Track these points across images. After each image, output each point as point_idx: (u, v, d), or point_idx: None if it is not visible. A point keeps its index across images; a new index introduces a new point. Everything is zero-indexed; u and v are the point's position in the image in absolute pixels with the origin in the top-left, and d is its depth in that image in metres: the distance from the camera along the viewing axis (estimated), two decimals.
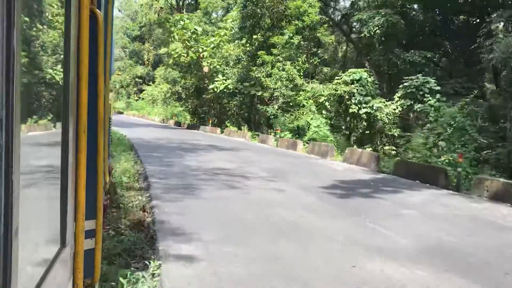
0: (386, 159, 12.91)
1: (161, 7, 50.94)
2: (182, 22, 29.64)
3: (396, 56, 23.24)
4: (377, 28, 22.67)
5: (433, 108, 15.05)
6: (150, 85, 54.35)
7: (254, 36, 26.64)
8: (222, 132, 28.23)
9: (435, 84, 15.36)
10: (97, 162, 1.85)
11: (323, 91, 17.26)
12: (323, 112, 17.59)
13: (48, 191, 1.38)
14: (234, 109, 33.37)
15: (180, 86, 37.93)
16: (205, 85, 32.87)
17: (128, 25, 63.64)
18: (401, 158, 11.99)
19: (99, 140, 1.84)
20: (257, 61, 24.12)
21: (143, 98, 54.92)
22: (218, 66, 30.44)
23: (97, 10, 1.78)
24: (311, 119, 20.02)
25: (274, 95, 22.09)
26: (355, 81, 16.70)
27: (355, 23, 28.93)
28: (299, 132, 19.80)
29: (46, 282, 1.19)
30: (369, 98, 16.11)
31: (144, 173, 9.05)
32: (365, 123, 16.24)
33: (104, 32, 1.90)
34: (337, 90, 16.53)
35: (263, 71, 23.47)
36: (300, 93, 21.22)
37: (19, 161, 0.89)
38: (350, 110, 16.20)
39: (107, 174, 3.49)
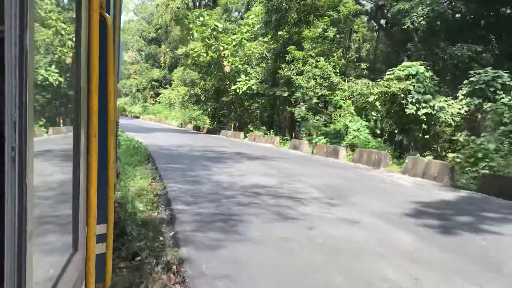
0: (459, 171, 10.28)
1: (177, 7, 49.08)
2: (201, 18, 27.51)
3: (442, 50, 20.40)
4: (421, 18, 19.94)
5: (507, 107, 12.33)
6: (166, 88, 53.34)
7: (280, 32, 24.56)
8: (245, 137, 26.27)
9: (510, 79, 12.64)
10: (108, 166, 1.82)
11: (372, 89, 14.65)
12: (373, 113, 14.89)
13: (60, 195, 1.41)
14: (257, 111, 31.48)
15: (199, 88, 36.18)
16: (226, 86, 31.14)
17: (144, 27, 63.00)
18: (489, 171, 9.34)
19: (109, 144, 1.82)
20: (287, 58, 21.84)
21: (159, 102, 53.93)
22: (240, 66, 28.42)
23: (107, 14, 1.77)
24: (350, 121, 17.43)
25: (307, 95, 19.31)
26: (410, 77, 14.04)
27: (390, 15, 26.10)
28: (336, 137, 17.21)
29: (58, 287, 1.18)
30: (429, 96, 13.46)
31: (165, 194, 7.07)
32: (424, 126, 13.54)
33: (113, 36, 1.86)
34: (389, 88, 13.87)
35: (293, 69, 20.86)
36: (337, 92, 18.63)
37: (32, 164, 0.89)
38: (407, 111, 13.54)
39: (114, 178, 2.70)
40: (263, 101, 28.63)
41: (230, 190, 7.69)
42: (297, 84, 19.96)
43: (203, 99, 35.57)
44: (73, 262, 1.37)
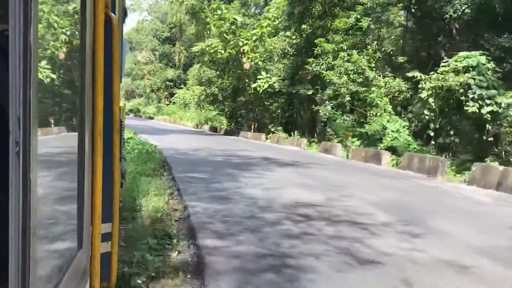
0: None
1: (192, 3, 47.33)
2: (219, 12, 25.76)
3: (487, 41, 18.23)
4: (465, 6, 17.82)
5: None
6: (181, 88, 52.33)
7: (303, 26, 22.79)
8: (267, 138, 24.41)
9: None
10: (113, 165, 1.84)
11: (424, 83, 12.62)
12: (425, 112, 12.83)
13: (65, 193, 1.43)
14: (277, 111, 29.55)
15: (216, 87, 34.42)
16: (245, 84, 29.22)
17: (158, 26, 62.38)
18: None
19: (114, 143, 1.85)
20: (316, 51, 19.88)
21: (174, 102, 52.57)
22: (260, 62, 26.53)
23: (112, 14, 1.80)
24: (388, 121, 15.40)
25: (339, 91, 17.30)
26: (470, 69, 11.93)
27: (426, 4, 23.74)
28: (372, 139, 15.24)
29: (62, 285, 1.20)
30: (494, 91, 11.34)
31: (187, 219, 5.48)
32: (489, 126, 11.41)
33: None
34: (446, 82, 11.78)
35: (322, 64, 18.88)
36: (372, 89, 16.59)
37: (36, 160, 0.90)
38: (468, 109, 11.44)
39: (120, 177, 2.75)
40: (282, 100, 27.03)
41: (270, 211, 6.04)
42: (328, 81, 17.88)
43: (220, 99, 34.04)
44: (78, 260, 1.38)
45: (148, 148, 12.35)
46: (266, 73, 25.74)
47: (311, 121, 25.16)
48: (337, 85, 17.64)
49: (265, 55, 26.56)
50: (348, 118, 18.72)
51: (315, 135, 23.34)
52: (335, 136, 18.27)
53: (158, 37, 62.84)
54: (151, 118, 57.85)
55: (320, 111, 20.36)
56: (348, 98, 17.80)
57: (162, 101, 58.98)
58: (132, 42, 64.61)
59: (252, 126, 27.54)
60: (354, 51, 18.08)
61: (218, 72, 30.69)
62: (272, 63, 26.76)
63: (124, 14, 4.75)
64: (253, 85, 25.78)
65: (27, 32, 0.86)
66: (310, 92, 21.49)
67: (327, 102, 20.36)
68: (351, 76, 17.09)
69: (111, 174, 1.85)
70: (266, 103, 28.79)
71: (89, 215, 1.49)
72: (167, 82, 57.86)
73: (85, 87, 1.42)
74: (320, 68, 19.09)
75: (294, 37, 24.26)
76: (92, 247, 1.56)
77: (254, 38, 25.76)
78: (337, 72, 17.75)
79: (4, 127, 0.87)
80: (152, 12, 69.32)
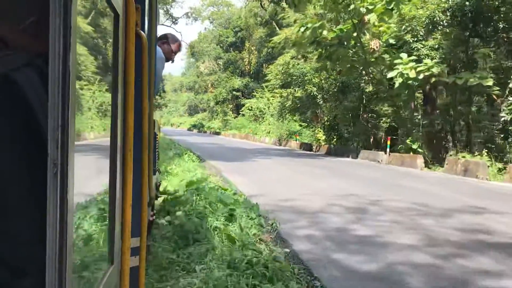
0: None
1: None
2: None
3: None
4: None
5: None
6: (250, 98, 49.68)
7: None
8: (429, 166, 16.89)
9: None
10: (142, 179, 2.10)
11: None
12: None
13: (97, 209, 1.64)
14: (406, 117, 22.29)
15: (314, 86, 28.15)
16: (368, 75, 22.87)
17: (222, 32, 62.83)
18: None
19: (143, 158, 2.11)
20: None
21: (243, 114, 48.60)
22: (391, 40, 20.33)
23: (141, 32, 2.09)
24: None
25: None
26: None
27: None
28: None
29: None
30: None
31: None
32: None
33: (148, 53, 2.27)
34: None
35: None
36: None
37: (73, 181, 1.03)
38: None
39: (153, 190, 3.41)
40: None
41: None
42: None
43: (320, 102, 27.80)
44: (109, 276, 1.49)
45: (229, 199, 6.74)
46: (409, 56, 18.49)
47: (466, 127, 19.38)
48: None
49: (405, 27, 19.86)
50: None
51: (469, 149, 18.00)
52: None
53: (222, 43, 62.17)
54: (217, 133, 55.88)
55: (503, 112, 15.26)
56: None
57: (229, 114, 57.07)
58: (195, 53, 68.38)
59: (388, 142, 19.88)
60: None
61: (322, 62, 23.39)
62: (416, 39, 19.40)
63: (178, 47, 5.25)
64: (390, 75, 18.58)
65: (66, 57, 1.00)
66: (489, 83, 15.46)
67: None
68: None
69: (139, 188, 2.13)
70: (400, 103, 21.12)
71: (119, 230, 1.69)
72: (234, 92, 55.49)
73: (118, 103, 1.64)
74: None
75: None
76: (121, 262, 1.71)
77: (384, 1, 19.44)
78: None
79: (43, 148, 1.02)
80: (214, 20, 70.11)
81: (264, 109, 40.77)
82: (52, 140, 0.98)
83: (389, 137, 19.77)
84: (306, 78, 27.83)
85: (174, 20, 50.25)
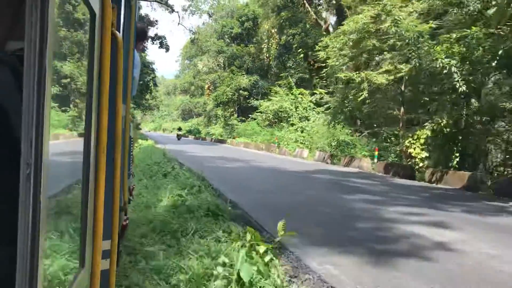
0: None
1: None
2: None
3: None
4: None
5: None
6: (258, 99, 43.85)
7: None
8: None
9: None
10: (114, 182, 2.11)
11: None
12: None
13: (69, 211, 1.66)
14: None
15: (393, 74, 16.57)
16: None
17: (226, 22, 55.17)
18: None
19: (116, 160, 2.12)
20: None
21: (255, 118, 40.79)
22: None
23: (117, 32, 2.09)
24: None
25: None
26: None
27: None
28: None
29: None
30: None
31: None
32: None
33: (125, 54, 2.55)
34: None
35: None
36: None
37: (46, 182, 1.01)
38: None
39: (126, 193, 3.58)
40: None
41: None
42: None
43: (460, 85, 13.16)
44: (80, 280, 1.49)
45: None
46: None
47: None
48: None
49: None
50: None
51: None
52: None
53: (225, 36, 54.64)
54: (221, 141, 46.76)
55: None
56: None
57: (233, 117, 49.67)
58: (195, 41, 58.75)
59: None
60: None
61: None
62: None
63: (143, 33, 5.31)
64: None
65: (42, 54, 0.97)
66: None
67: None
68: None
69: (111, 190, 2.11)
70: None
71: (91, 233, 1.68)
72: (241, 91, 47.94)
73: (92, 104, 1.63)
74: None
75: None
76: (92, 265, 1.71)
77: None
78: None
79: (16, 149, 0.99)
80: (213, 13, 63.06)
81: (291, 109, 32.34)
82: (26, 140, 0.95)
83: None
84: (424, 43, 14.77)
85: (171, 12, 41.23)
